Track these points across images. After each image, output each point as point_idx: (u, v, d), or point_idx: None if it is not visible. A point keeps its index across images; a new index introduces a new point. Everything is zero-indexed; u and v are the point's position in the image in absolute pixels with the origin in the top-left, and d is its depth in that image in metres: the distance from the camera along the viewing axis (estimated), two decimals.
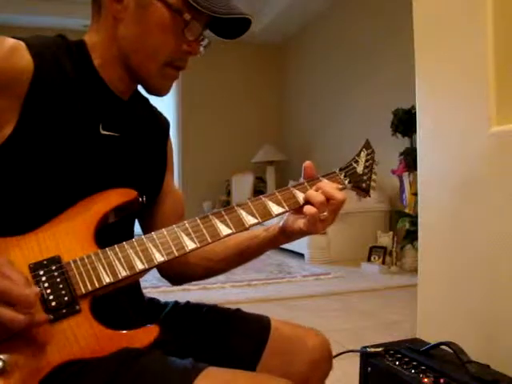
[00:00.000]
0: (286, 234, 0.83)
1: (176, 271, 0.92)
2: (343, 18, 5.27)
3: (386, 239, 3.99)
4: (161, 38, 0.74)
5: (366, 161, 0.89)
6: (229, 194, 6.36)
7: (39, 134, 0.68)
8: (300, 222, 0.79)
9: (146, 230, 0.91)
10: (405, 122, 3.69)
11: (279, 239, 0.85)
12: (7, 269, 0.58)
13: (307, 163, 0.84)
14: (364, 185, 0.87)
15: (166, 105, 5.81)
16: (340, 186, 0.84)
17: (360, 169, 0.88)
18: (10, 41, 0.68)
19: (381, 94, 4.52)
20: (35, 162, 0.69)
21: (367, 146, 0.91)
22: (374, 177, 0.89)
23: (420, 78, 1.55)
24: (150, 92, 0.81)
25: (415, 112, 1.58)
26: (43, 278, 0.63)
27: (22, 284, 0.58)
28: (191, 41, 0.76)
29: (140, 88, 0.84)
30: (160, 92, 0.80)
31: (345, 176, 0.86)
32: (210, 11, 0.73)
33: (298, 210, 0.80)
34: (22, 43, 0.68)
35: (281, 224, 0.84)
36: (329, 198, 0.77)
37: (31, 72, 0.67)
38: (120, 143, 0.80)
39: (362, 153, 0.90)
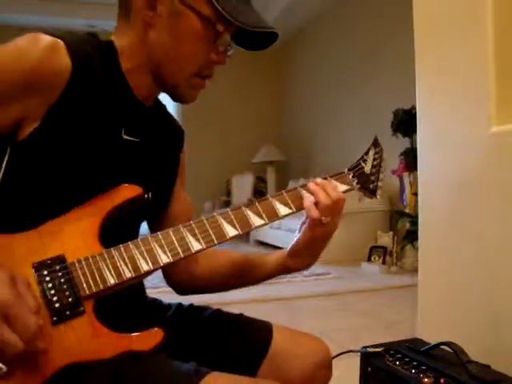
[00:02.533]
0: (293, 254, 0.83)
1: (182, 279, 0.91)
2: (344, 18, 5.27)
3: (386, 239, 4.00)
4: (192, 47, 0.74)
5: (374, 159, 0.87)
6: (229, 194, 6.37)
7: (62, 133, 0.68)
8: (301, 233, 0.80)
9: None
10: (405, 122, 3.69)
11: (287, 263, 0.85)
12: (24, 289, 0.57)
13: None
14: (371, 186, 0.86)
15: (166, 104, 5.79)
16: (347, 187, 0.83)
17: (368, 168, 0.86)
18: (48, 39, 0.66)
19: (381, 94, 4.52)
20: (53, 161, 0.68)
21: (376, 143, 0.89)
22: (381, 176, 0.87)
23: (420, 78, 1.55)
24: (175, 100, 0.81)
25: (415, 112, 1.58)
26: (47, 278, 0.62)
27: (34, 312, 0.56)
28: (220, 51, 0.76)
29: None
30: (186, 101, 0.80)
31: (353, 176, 0.85)
32: (243, 24, 0.72)
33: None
34: (60, 42, 0.67)
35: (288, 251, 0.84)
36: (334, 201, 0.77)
37: (69, 74, 0.67)
38: (139, 149, 0.79)
39: (371, 151, 0.88)
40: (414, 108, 3.27)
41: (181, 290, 0.94)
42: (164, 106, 0.90)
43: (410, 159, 3.63)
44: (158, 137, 0.85)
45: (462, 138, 1.38)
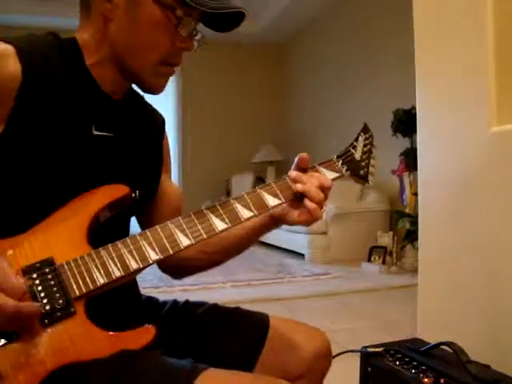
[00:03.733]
0: (277, 223, 0.83)
1: (172, 264, 0.91)
2: (344, 18, 5.27)
3: (386, 239, 3.99)
4: (154, 36, 0.73)
5: (364, 146, 0.86)
6: (229, 194, 6.36)
7: (29, 137, 0.68)
8: (296, 214, 0.79)
9: (144, 228, 0.91)
10: (405, 122, 3.69)
11: (269, 227, 0.85)
12: None
13: (303, 155, 0.82)
14: (362, 172, 0.85)
15: (165, 105, 5.80)
16: (336, 175, 0.83)
17: (358, 155, 0.85)
18: None
19: (381, 94, 4.52)
20: (26, 165, 0.68)
21: (365, 129, 0.88)
22: (372, 162, 0.86)
23: (420, 78, 1.55)
24: (144, 91, 0.80)
25: (415, 112, 1.58)
26: (36, 282, 0.62)
27: (11, 274, 0.58)
28: (185, 37, 0.75)
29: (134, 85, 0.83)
30: (155, 90, 0.79)
31: (342, 163, 0.84)
32: (203, 6, 0.71)
33: (294, 201, 0.79)
34: (10, 48, 0.67)
35: (271, 213, 0.82)
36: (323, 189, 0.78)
37: (19, 79, 0.66)
38: (114, 143, 0.79)
39: (360, 137, 0.87)
40: (414, 108, 3.26)
41: (175, 273, 0.94)
42: (140, 97, 0.89)
43: (409, 159, 3.64)
44: (134, 129, 0.84)
45: (462, 138, 1.38)
